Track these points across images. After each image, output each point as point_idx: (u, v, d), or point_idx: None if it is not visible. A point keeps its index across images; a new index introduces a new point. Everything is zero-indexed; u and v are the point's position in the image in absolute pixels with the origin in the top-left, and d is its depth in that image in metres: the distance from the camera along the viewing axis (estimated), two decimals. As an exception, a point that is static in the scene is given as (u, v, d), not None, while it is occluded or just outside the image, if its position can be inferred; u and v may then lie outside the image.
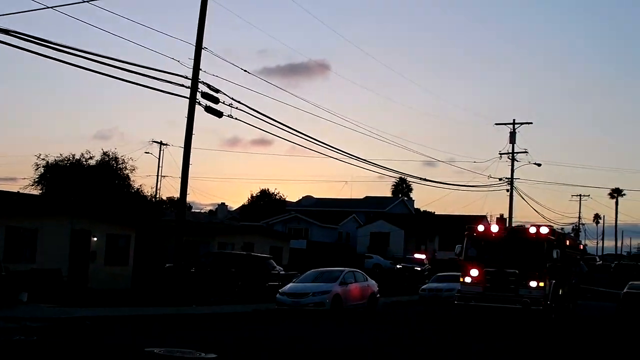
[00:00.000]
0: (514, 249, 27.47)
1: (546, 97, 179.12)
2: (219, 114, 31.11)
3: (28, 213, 33.78)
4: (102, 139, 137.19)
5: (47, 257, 33.19)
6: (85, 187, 56.32)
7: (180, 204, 32.34)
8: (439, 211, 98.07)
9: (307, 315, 27.32)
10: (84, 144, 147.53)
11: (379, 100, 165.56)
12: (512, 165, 63.85)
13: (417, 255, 65.30)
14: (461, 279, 28.56)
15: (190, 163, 31.21)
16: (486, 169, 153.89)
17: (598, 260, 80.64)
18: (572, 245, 34.18)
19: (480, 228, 28.58)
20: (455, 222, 76.08)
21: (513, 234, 28.35)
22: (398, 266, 60.39)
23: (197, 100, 30.84)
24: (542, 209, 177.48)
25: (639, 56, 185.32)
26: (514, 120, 62.52)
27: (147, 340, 17.40)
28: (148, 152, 77.61)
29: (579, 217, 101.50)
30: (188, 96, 30.57)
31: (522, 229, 28.82)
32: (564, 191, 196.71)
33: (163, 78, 27.59)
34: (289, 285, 30.04)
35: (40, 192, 59.66)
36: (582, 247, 42.03)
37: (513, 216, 62.68)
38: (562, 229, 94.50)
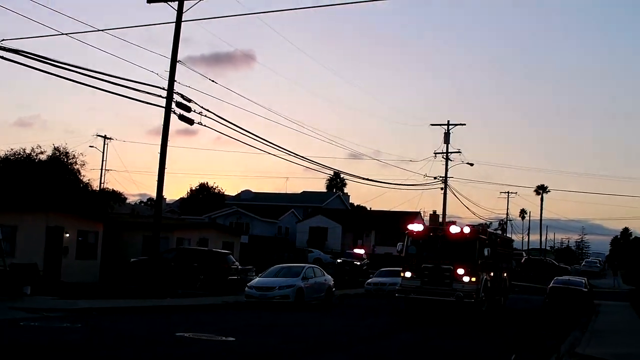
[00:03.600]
0: (449, 247, 30.36)
1: (477, 98, 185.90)
2: (190, 122, 34.01)
3: (9, 210, 36.17)
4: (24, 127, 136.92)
5: (24, 252, 35.61)
6: (37, 182, 57.82)
7: (157, 202, 34.99)
8: (374, 207, 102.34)
9: (274, 306, 30.70)
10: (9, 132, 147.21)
11: (312, 97, 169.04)
12: (446, 165, 67.69)
13: (356, 250, 68.50)
14: (402, 274, 31.57)
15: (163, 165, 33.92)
16: (421, 168, 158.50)
17: (525, 256, 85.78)
18: (503, 243, 37.54)
19: (419, 227, 31.79)
20: (391, 217, 79.98)
21: (448, 233, 30.77)
22: (338, 260, 63.33)
23: (172, 109, 33.58)
24: (473, 206, 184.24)
25: (564, 54, 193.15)
26: (448, 121, 66.04)
27: (159, 327, 20.71)
28: (92, 146, 79.61)
29: (507, 213, 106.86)
30: (164, 105, 33.31)
31: (457, 229, 31.02)
32: (493, 189, 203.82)
33: (140, 89, 30.70)
34: (256, 280, 33.38)
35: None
36: (512, 245, 45.60)
37: (447, 213, 66.91)
38: (489, 224, 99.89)
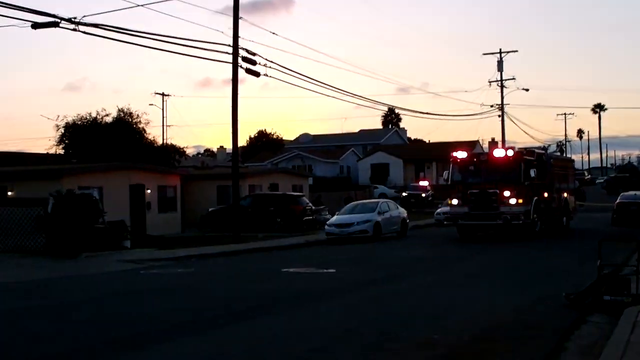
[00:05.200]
0: (494, 171, 30.40)
1: (527, 24, 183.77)
2: (257, 74, 35.50)
3: (94, 171, 38.43)
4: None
5: (112, 210, 37.84)
6: (105, 144, 59.97)
7: (234, 154, 36.96)
8: (432, 140, 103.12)
9: (354, 240, 32.40)
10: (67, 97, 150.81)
11: (364, 35, 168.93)
12: (502, 92, 68.54)
13: (420, 183, 69.91)
14: (449, 201, 32.18)
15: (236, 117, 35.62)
16: (477, 98, 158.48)
17: (587, 175, 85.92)
18: (560, 164, 37.27)
19: (463, 154, 31.58)
20: (449, 148, 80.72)
21: (492, 157, 30.99)
22: (403, 194, 64.72)
23: (239, 64, 35.10)
24: (532, 130, 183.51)
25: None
26: (500, 49, 66.53)
27: (263, 266, 22.59)
28: (152, 104, 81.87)
29: (565, 135, 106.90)
30: (231, 61, 34.86)
31: (501, 153, 31.02)
32: (550, 112, 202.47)
33: (206, 47, 32.51)
34: (334, 217, 35.07)
35: (63, 151, 63.38)
36: (572, 165, 45.43)
37: (505, 139, 67.78)
38: (547, 146, 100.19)
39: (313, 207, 43.75)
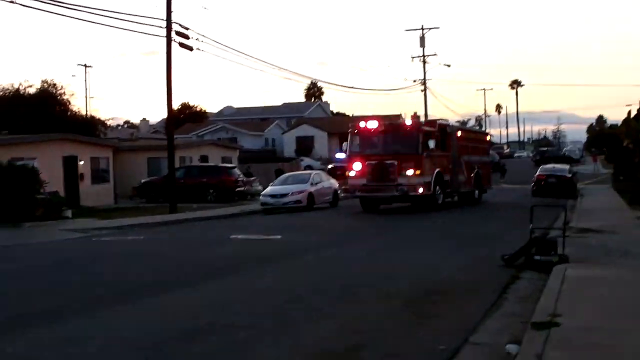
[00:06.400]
0: (392, 142, 29.92)
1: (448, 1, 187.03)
2: (190, 49, 36.19)
3: (27, 142, 38.58)
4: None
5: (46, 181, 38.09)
6: (29, 115, 59.44)
7: (168, 126, 37.72)
8: (356, 114, 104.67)
9: (288, 210, 33.55)
10: None
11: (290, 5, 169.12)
12: (424, 67, 70.62)
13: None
14: (346, 174, 31.60)
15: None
16: (398, 74, 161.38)
17: (506, 149, 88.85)
18: (470, 136, 37.16)
19: (362, 124, 30.79)
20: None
21: (391, 128, 30.56)
22: (329, 166, 66.02)
23: (173, 39, 35.69)
24: (453, 105, 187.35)
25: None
26: (422, 25, 68.67)
27: (210, 233, 23.60)
28: (74, 76, 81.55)
29: (485, 109, 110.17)
30: (165, 35, 35.42)
31: (399, 123, 30.99)
32: (471, 88, 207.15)
33: (140, 22, 33.42)
34: (269, 188, 36.09)
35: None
36: (487, 138, 44.90)
37: (428, 114, 69.69)
38: (464, 121, 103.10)
39: (244, 179, 44.74)
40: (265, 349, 8.07)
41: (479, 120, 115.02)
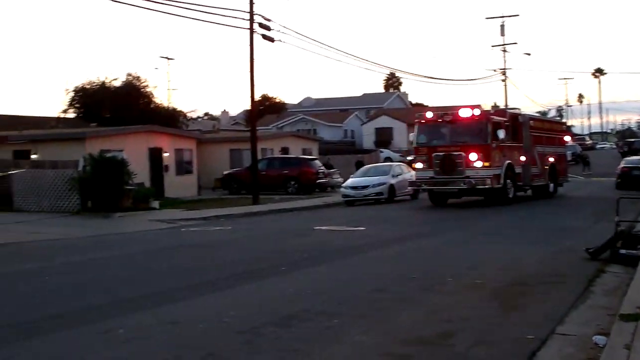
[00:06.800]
0: (460, 132, 28.72)
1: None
2: (272, 40, 36.80)
3: (115, 134, 39.92)
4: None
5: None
6: (115, 107, 61.19)
7: (251, 118, 38.48)
8: (434, 104, 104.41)
9: (369, 202, 33.94)
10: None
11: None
12: (504, 57, 69.96)
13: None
14: (413, 165, 30.78)
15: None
16: (479, 63, 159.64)
17: (587, 140, 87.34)
18: (545, 126, 35.37)
19: (429, 115, 29.80)
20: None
21: (458, 118, 28.88)
22: (409, 158, 66.09)
23: (255, 30, 36.34)
24: (534, 95, 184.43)
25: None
26: (502, 13, 68.03)
27: (294, 224, 24.15)
28: (157, 68, 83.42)
29: (566, 99, 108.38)
30: (248, 27, 36.10)
31: (466, 113, 29.00)
32: (553, 77, 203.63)
33: (223, 14, 34.22)
34: (350, 180, 36.52)
35: (75, 115, 64.70)
36: (563, 127, 42.62)
37: (508, 104, 69.13)
38: (544, 112, 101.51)
39: (325, 171, 45.28)
40: (360, 335, 8.42)
41: (559, 110, 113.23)
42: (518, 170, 30.18)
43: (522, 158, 30.77)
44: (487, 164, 27.87)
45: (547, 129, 35.25)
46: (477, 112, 28.91)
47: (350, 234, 20.35)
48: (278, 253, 16.18)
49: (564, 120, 76.43)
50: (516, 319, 9.26)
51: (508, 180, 29.01)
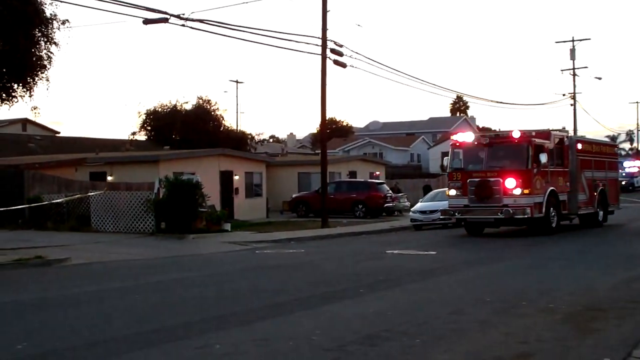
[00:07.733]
0: (498, 156, 26.97)
1: (600, 10, 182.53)
2: (344, 65, 37.41)
3: (188, 157, 41.06)
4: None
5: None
6: (185, 130, 62.53)
7: (322, 143, 39.09)
8: (502, 128, 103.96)
9: (437, 227, 34.24)
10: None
11: (436, 21, 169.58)
12: (574, 81, 69.53)
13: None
14: (447, 192, 28.58)
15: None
16: (547, 87, 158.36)
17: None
18: (594, 150, 32.59)
19: (464, 137, 28.13)
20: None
21: (496, 141, 27.37)
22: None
23: (327, 56, 37.01)
24: (603, 119, 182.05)
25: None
26: (572, 37, 67.54)
27: (364, 247, 24.63)
28: (226, 91, 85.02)
29: (637, 123, 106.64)
30: (319, 53, 36.80)
31: (505, 135, 27.59)
32: (624, 100, 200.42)
33: (295, 40, 34.98)
34: (418, 205, 36.94)
35: (146, 137, 66.39)
36: (614, 152, 38.96)
37: (577, 129, 68.60)
38: (614, 136, 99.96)
39: (392, 194, 45.69)
40: (442, 354, 8.85)
41: (629, 134, 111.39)
42: (563, 197, 28.36)
43: (567, 184, 28.96)
44: (527, 191, 25.97)
45: (596, 152, 32.81)
46: (516, 134, 26.72)
47: (422, 257, 20.74)
48: (354, 275, 16.68)
49: (616, 143, 75.05)
50: (591, 341, 9.55)
51: (551, 209, 27.24)
